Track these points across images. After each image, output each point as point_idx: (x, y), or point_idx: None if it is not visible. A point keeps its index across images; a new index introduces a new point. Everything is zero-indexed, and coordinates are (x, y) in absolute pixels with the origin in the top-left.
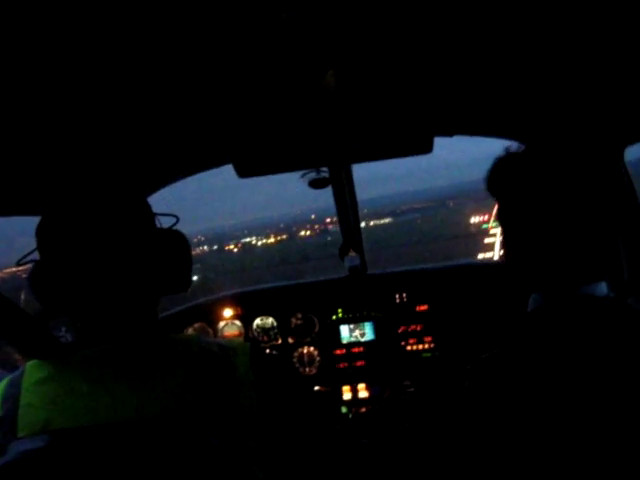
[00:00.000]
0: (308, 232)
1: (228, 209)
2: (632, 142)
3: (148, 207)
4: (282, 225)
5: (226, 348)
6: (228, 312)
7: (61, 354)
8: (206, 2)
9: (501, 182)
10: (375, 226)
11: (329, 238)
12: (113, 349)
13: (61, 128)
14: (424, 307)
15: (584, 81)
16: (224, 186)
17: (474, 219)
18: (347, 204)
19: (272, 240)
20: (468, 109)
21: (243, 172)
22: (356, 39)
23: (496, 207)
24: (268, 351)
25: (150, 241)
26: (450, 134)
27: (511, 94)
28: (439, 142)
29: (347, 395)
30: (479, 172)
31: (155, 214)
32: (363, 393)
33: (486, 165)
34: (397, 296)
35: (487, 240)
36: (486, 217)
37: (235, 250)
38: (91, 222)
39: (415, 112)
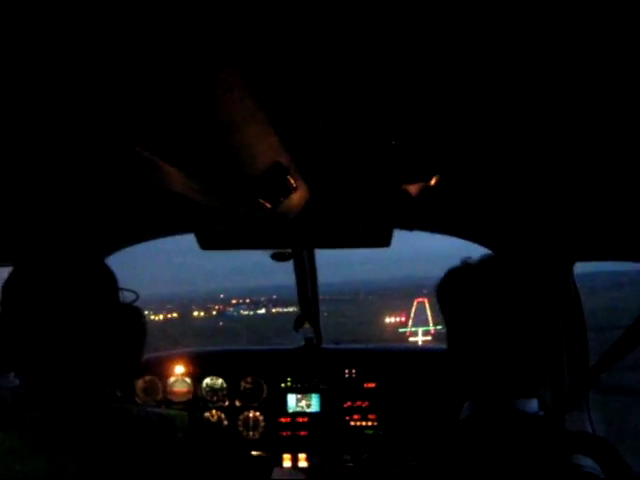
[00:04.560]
0: (202, 313)
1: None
2: (581, 259)
3: (113, 281)
4: (187, 302)
5: (165, 418)
6: (179, 369)
7: (6, 414)
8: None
9: (449, 292)
10: (277, 313)
11: (220, 323)
12: (55, 415)
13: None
14: (372, 385)
15: (541, 200)
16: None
17: (389, 319)
18: (307, 278)
19: (161, 317)
20: (428, 207)
21: (205, 245)
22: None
23: (413, 308)
24: (215, 412)
25: (109, 315)
26: (410, 228)
27: (472, 198)
28: None
29: (287, 463)
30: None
31: (119, 288)
32: (303, 463)
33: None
34: (346, 371)
35: (412, 338)
36: (403, 319)
37: None
38: (55, 288)
39: (376, 208)
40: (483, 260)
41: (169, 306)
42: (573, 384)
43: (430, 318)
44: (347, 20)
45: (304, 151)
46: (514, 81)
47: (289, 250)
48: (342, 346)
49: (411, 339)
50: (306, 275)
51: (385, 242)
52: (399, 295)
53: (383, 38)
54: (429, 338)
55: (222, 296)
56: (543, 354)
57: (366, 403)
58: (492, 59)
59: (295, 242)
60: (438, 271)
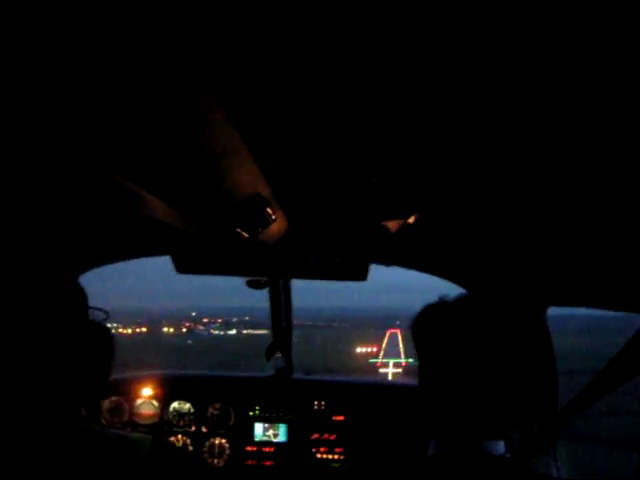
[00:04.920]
0: (172, 329)
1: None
2: (554, 304)
3: (84, 299)
4: (158, 317)
5: (127, 441)
6: (147, 391)
7: None
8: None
9: (424, 328)
10: (247, 335)
11: (189, 341)
12: (17, 432)
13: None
14: (340, 417)
15: (519, 246)
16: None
17: (360, 349)
18: (281, 307)
19: (129, 331)
20: (406, 244)
21: (181, 268)
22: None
23: (385, 339)
24: (180, 437)
25: (77, 333)
26: (386, 264)
27: (449, 238)
28: None
29: None
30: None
31: (88, 307)
32: None
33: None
34: (316, 403)
35: (382, 370)
36: (375, 349)
37: None
38: (24, 304)
39: (354, 243)
40: (460, 299)
41: (139, 320)
42: (542, 427)
43: (402, 350)
44: (327, 56)
45: (284, 183)
46: (492, 129)
47: (265, 278)
48: (312, 377)
49: (381, 370)
50: (281, 304)
51: (361, 276)
52: (372, 324)
53: (365, 76)
54: (399, 370)
55: (194, 314)
56: (513, 396)
57: (334, 436)
58: (471, 103)
59: (271, 271)
60: (412, 303)
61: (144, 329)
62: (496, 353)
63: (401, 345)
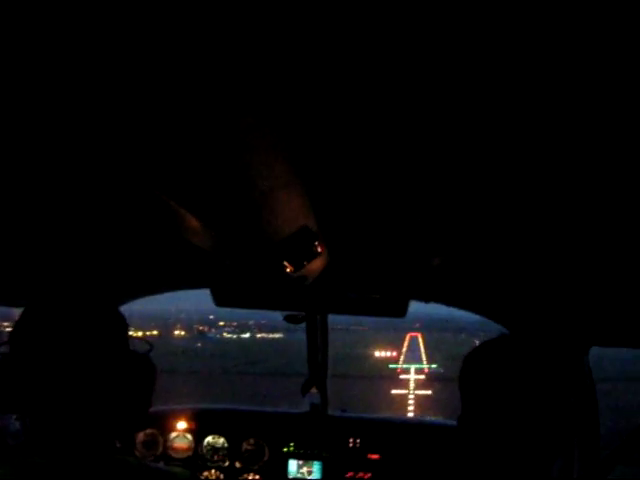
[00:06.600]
0: (183, 333)
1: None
2: (597, 344)
3: (125, 329)
4: (173, 321)
5: (167, 474)
6: (181, 425)
7: (10, 459)
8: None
9: (470, 371)
10: (261, 339)
11: (198, 344)
12: (57, 463)
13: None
14: (375, 456)
15: (562, 287)
16: None
17: (379, 354)
18: (317, 343)
19: (139, 334)
20: (447, 282)
21: (220, 301)
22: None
23: (405, 343)
24: (214, 472)
25: (117, 363)
26: (426, 300)
27: (492, 277)
28: None
29: None
30: None
31: (130, 337)
32: None
33: None
34: (351, 440)
35: (403, 376)
36: (395, 354)
37: None
38: (65, 332)
39: (394, 280)
40: (504, 339)
41: (153, 323)
42: (584, 473)
43: (424, 355)
44: (377, 92)
45: (329, 217)
46: (534, 165)
47: (302, 313)
48: (348, 414)
49: (402, 377)
50: (317, 339)
51: (400, 313)
52: (391, 327)
53: (409, 113)
54: (422, 377)
55: (212, 317)
56: (556, 437)
57: (368, 474)
58: (509, 138)
59: (309, 306)
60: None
61: (155, 332)
62: (541, 394)
63: (422, 349)
